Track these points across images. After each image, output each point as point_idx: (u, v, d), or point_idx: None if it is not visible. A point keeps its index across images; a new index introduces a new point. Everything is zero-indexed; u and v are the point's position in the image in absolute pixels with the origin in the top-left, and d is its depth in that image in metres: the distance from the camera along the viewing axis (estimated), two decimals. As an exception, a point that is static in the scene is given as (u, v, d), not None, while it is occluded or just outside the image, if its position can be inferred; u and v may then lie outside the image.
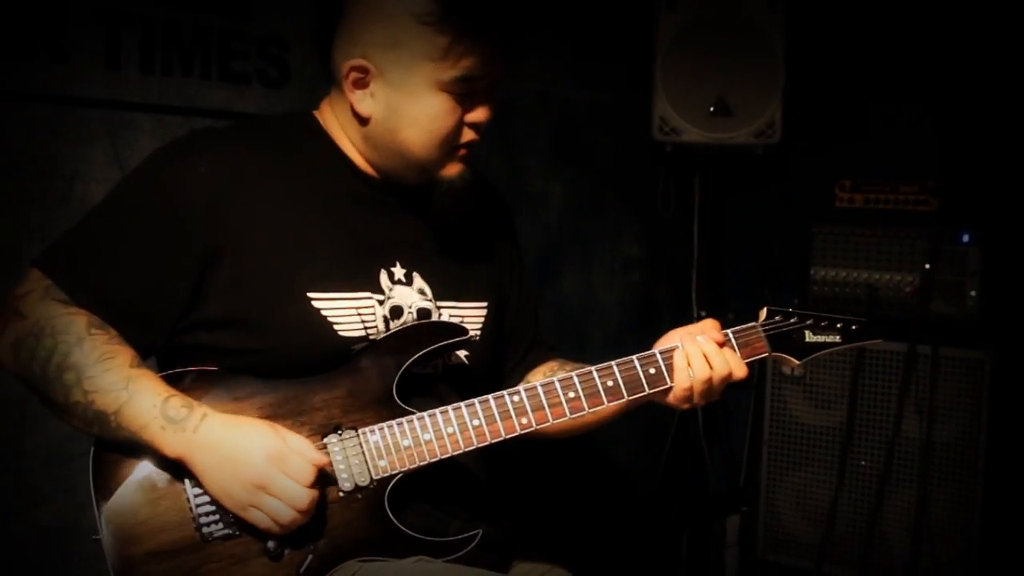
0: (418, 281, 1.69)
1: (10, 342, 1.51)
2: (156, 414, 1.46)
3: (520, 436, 1.62)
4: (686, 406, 1.67)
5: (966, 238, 3.03)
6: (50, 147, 2.05)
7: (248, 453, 1.45)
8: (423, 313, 1.67)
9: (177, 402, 1.48)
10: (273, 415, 1.53)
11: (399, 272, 1.67)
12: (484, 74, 1.60)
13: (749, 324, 1.72)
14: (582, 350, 3.37)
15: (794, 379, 3.18)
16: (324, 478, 1.51)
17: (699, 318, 3.57)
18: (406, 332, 1.62)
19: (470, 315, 1.74)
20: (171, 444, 1.46)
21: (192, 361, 1.57)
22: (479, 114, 1.64)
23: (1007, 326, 3.07)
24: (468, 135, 1.65)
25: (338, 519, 1.52)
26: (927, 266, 3.04)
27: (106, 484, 1.48)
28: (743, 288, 3.63)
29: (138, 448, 1.48)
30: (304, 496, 1.46)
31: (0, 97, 1.97)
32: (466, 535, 1.60)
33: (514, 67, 3.05)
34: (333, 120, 1.69)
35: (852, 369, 3.10)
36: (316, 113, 1.71)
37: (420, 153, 1.63)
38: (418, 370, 1.62)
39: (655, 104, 3.21)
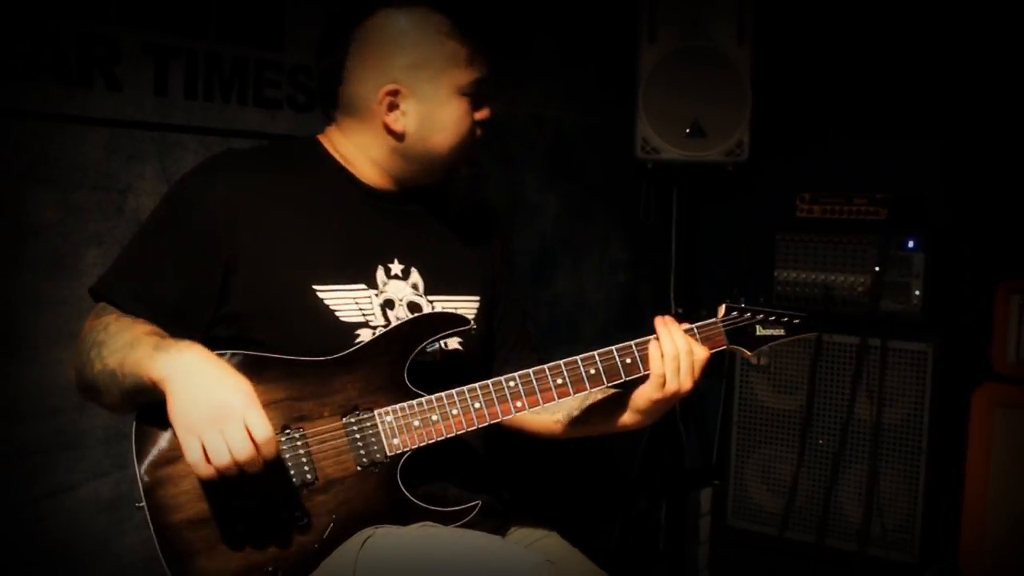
0: (414, 276, 1.71)
1: (72, 360, 1.55)
2: (148, 350, 1.43)
3: (527, 433, 1.66)
4: (661, 399, 1.63)
5: (911, 244, 3.04)
6: (106, 164, 2.06)
7: (223, 385, 1.39)
8: (413, 307, 1.69)
9: (170, 340, 1.45)
10: (298, 395, 1.52)
11: (396, 267, 1.69)
12: (489, 75, 1.69)
13: (710, 320, 1.73)
14: (574, 342, 3.38)
15: (760, 368, 3.19)
16: (342, 456, 1.52)
17: (677, 314, 3.59)
18: (416, 321, 1.63)
19: (463, 307, 1.76)
20: (156, 367, 1.40)
21: (217, 349, 1.57)
22: (485, 112, 1.71)
23: (947, 321, 3.08)
24: (477, 132, 1.72)
25: (356, 491, 1.53)
26: (877, 268, 3.05)
27: (149, 457, 1.46)
28: (715, 288, 3.64)
29: (140, 389, 1.43)
30: (247, 450, 1.38)
31: (63, 121, 1.98)
32: (466, 505, 1.61)
33: (515, 93, 3.07)
34: (344, 142, 1.70)
35: (811, 359, 3.11)
36: (320, 137, 1.73)
37: (448, 154, 1.69)
38: (421, 357, 1.63)
39: (638, 126, 3.22)
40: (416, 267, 1.71)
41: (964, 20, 3.22)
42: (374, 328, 1.63)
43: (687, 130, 3.17)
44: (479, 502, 1.62)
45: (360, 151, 1.69)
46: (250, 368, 1.50)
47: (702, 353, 1.65)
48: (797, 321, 1.77)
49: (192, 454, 1.38)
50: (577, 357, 1.63)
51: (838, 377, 3.09)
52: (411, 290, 1.69)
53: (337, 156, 1.70)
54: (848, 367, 3.07)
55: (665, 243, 3.64)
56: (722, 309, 1.75)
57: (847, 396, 3.06)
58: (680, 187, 3.58)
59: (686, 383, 1.63)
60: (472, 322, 1.69)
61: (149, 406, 1.45)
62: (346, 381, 1.56)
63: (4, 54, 1.88)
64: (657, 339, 1.64)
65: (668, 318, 1.67)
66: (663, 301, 3.68)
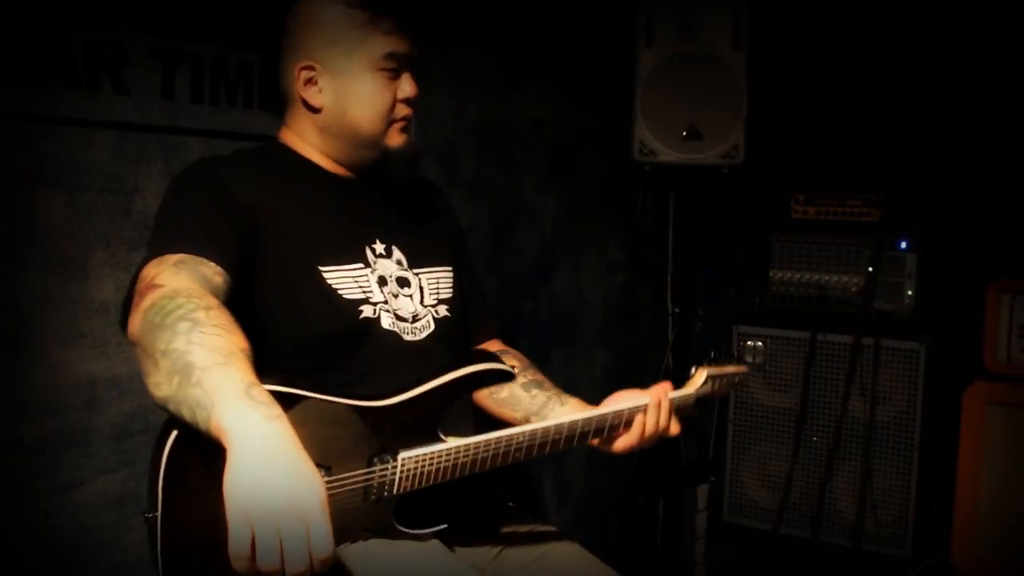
0: (396, 253, 1.77)
1: (145, 307, 1.36)
2: (239, 388, 1.25)
3: (488, 415, 1.79)
4: (621, 454, 1.79)
5: (903, 245, 3.05)
6: (114, 167, 2.06)
7: (296, 476, 1.20)
8: (402, 281, 1.75)
9: (263, 390, 1.28)
10: (337, 436, 1.48)
11: (380, 247, 1.75)
12: (402, 49, 1.71)
13: (688, 392, 1.86)
14: (572, 341, 3.39)
15: (755, 366, 3.19)
16: (354, 494, 1.49)
17: (673, 314, 3.61)
18: (467, 377, 1.62)
19: (444, 276, 1.83)
20: (235, 415, 1.22)
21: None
22: (407, 89, 1.73)
23: (938, 321, 3.09)
24: (403, 110, 1.75)
25: (352, 517, 1.51)
26: (870, 269, 3.06)
27: (177, 482, 1.35)
28: (712, 288, 3.64)
29: (196, 416, 1.25)
30: (302, 563, 1.18)
31: (72, 124, 1.98)
32: (434, 529, 1.62)
33: (516, 98, 3.08)
34: (294, 136, 1.77)
35: (806, 358, 3.11)
36: (281, 138, 1.79)
37: (367, 127, 1.72)
38: (414, 335, 1.72)
39: (635, 129, 3.22)
40: (396, 245, 1.77)
41: (960, 26, 3.22)
42: (375, 304, 1.68)
43: (684, 133, 3.18)
44: (445, 525, 1.63)
45: (304, 141, 1.76)
46: (295, 409, 1.41)
47: (675, 430, 1.79)
48: (742, 378, 1.99)
49: (238, 545, 1.16)
50: (579, 419, 1.69)
51: (832, 375, 3.10)
52: (396, 266, 1.75)
53: (298, 151, 1.77)
54: (842, 366, 3.07)
55: (662, 244, 3.65)
56: (702, 376, 1.88)
57: (841, 394, 3.06)
58: (677, 189, 3.59)
59: (648, 445, 1.78)
60: (447, 289, 1.82)
61: (189, 428, 1.30)
62: (385, 427, 1.53)
63: (12, 58, 1.88)
64: (644, 412, 1.75)
65: (665, 396, 1.77)
66: (660, 301, 3.68)
